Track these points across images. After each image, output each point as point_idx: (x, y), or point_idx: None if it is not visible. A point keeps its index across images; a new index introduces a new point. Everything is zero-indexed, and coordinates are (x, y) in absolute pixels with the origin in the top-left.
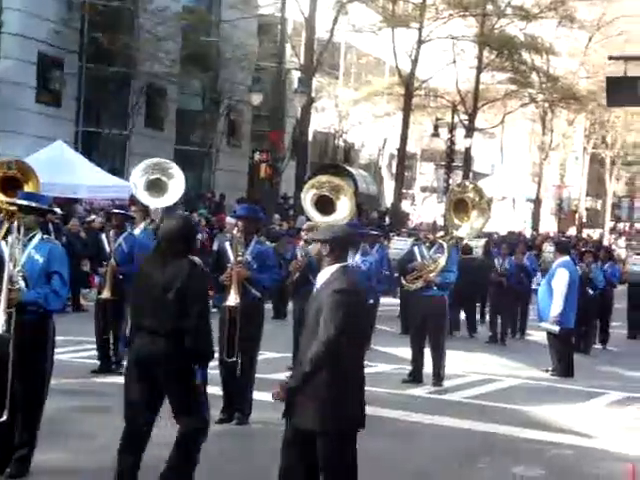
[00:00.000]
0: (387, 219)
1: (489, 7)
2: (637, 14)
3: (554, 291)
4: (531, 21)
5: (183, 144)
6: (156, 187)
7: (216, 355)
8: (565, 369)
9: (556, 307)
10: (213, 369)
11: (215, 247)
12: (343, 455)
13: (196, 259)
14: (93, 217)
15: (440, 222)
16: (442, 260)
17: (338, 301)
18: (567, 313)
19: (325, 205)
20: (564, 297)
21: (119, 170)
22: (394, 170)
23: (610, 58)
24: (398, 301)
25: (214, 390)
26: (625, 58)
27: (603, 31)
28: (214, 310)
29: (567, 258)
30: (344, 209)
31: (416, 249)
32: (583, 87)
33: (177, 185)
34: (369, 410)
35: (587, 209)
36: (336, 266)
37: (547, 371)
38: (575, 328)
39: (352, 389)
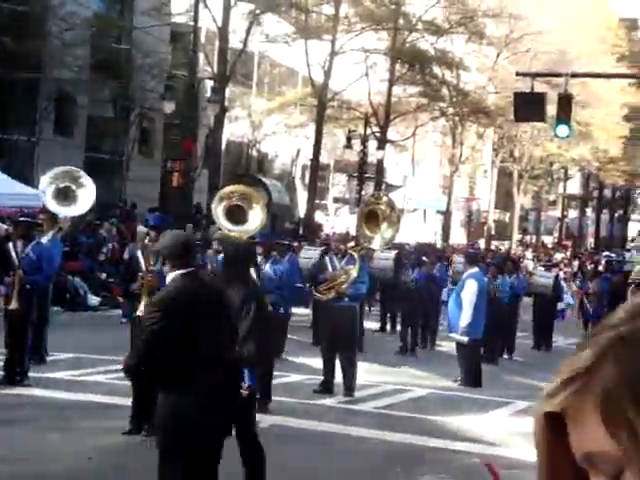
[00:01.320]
0: (300, 229)
1: (400, 21)
2: (542, 31)
3: (463, 302)
4: (442, 36)
5: (94, 152)
6: (66, 195)
7: None
8: (473, 379)
9: (465, 318)
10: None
11: (126, 256)
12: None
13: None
14: None
15: (353, 233)
16: (354, 271)
17: (149, 311)
18: (476, 323)
19: (237, 215)
20: (473, 308)
21: (27, 177)
22: (307, 181)
23: (518, 74)
24: (310, 311)
25: (122, 401)
26: (532, 75)
27: (511, 47)
28: (124, 320)
29: (476, 269)
30: (256, 218)
31: (327, 259)
32: (492, 102)
33: (87, 194)
34: (280, 420)
35: (495, 221)
36: (174, 273)
37: (456, 381)
38: (483, 338)
39: (189, 401)
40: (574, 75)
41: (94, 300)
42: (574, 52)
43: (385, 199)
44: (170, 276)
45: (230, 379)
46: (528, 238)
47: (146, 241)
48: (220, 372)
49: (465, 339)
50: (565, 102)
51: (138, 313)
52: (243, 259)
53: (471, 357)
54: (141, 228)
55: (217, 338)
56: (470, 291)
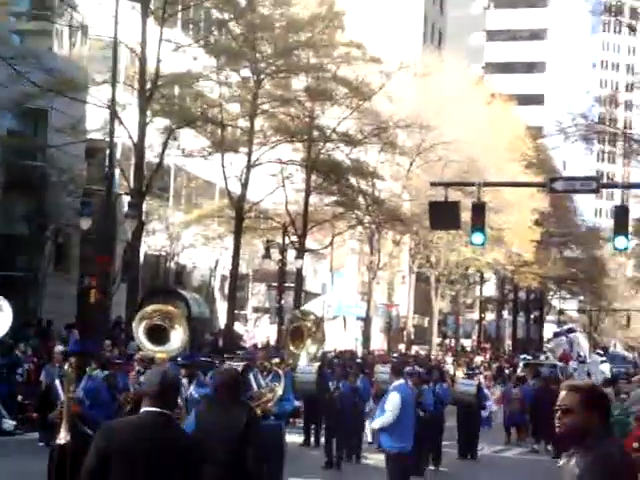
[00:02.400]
0: (220, 341)
1: (315, 133)
2: (452, 141)
3: (385, 411)
4: (355, 147)
5: (8, 270)
6: None
7: None
8: None
9: (378, 421)
10: None
11: (42, 378)
12: None
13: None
14: None
15: (273, 343)
16: (279, 389)
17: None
18: (403, 436)
19: (158, 333)
20: (394, 418)
21: None
22: (226, 291)
23: (432, 184)
24: None
25: None
26: (445, 184)
27: (423, 157)
28: (41, 444)
29: (401, 381)
30: (177, 338)
31: (251, 377)
32: (407, 209)
33: (3, 318)
34: None
35: (415, 326)
36: (143, 409)
37: None
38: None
39: None
40: (486, 184)
41: (9, 424)
42: (484, 160)
43: (311, 316)
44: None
45: None
46: (447, 342)
47: (66, 367)
48: None
49: (393, 451)
50: (478, 210)
51: (58, 441)
52: (238, 384)
53: (401, 470)
54: (58, 348)
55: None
56: (391, 402)
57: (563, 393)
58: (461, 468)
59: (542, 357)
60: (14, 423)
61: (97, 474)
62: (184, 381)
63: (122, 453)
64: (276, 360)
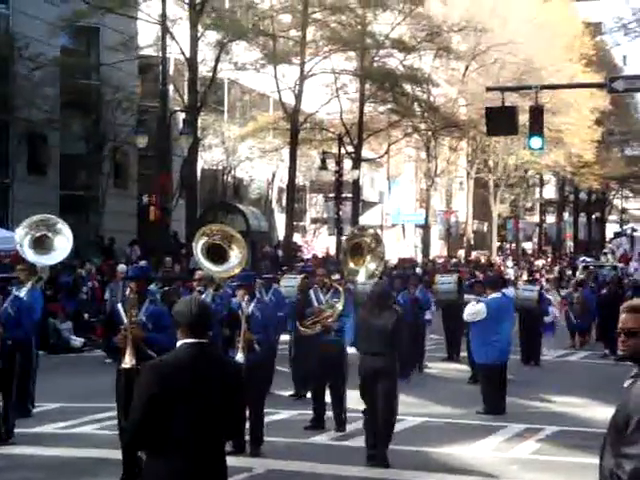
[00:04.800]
0: (280, 252)
1: (368, 41)
2: (508, 43)
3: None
4: (409, 53)
5: (68, 189)
6: (42, 244)
7: None
8: (495, 406)
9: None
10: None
11: (107, 296)
12: None
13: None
14: None
15: (332, 254)
16: (339, 305)
17: (143, 374)
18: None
19: (217, 253)
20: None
21: (2, 219)
22: (284, 203)
23: (488, 89)
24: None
25: (111, 454)
26: (502, 89)
27: (478, 60)
28: (108, 360)
29: (499, 294)
30: (236, 258)
31: (312, 293)
32: (463, 114)
33: (64, 241)
34: (274, 463)
35: (474, 232)
36: (181, 342)
37: (479, 413)
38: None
39: (172, 468)
40: (543, 87)
41: (77, 342)
42: (542, 61)
43: (370, 231)
44: (178, 343)
45: (214, 453)
46: (507, 246)
47: (127, 292)
48: (207, 444)
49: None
50: (537, 114)
51: (123, 365)
52: (388, 294)
53: (495, 382)
54: (121, 266)
55: (207, 413)
56: (480, 312)
57: (624, 315)
58: (525, 375)
59: (602, 259)
60: (83, 340)
61: (148, 415)
62: (244, 301)
63: (169, 391)
64: (336, 276)
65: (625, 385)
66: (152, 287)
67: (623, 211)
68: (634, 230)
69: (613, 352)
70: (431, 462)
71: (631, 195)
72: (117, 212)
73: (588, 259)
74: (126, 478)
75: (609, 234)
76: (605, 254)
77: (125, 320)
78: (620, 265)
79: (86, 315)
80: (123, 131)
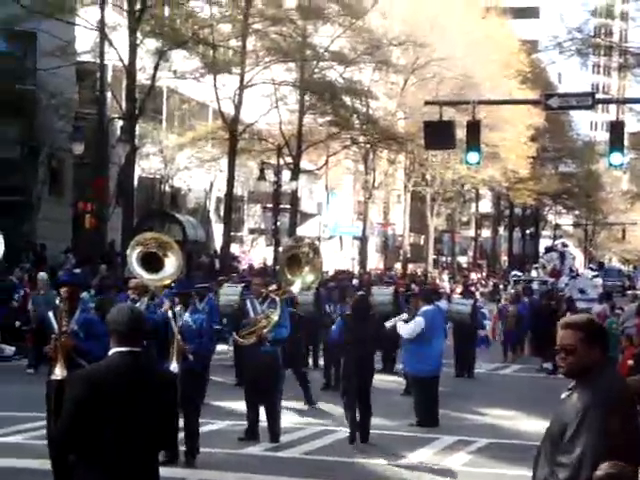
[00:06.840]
0: (217, 263)
1: (308, 52)
2: (447, 58)
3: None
4: (349, 66)
5: (2, 194)
6: None
7: None
8: (430, 418)
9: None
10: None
11: (30, 306)
12: None
13: None
14: None
15: (270, 264)
16: (275, 316)
17: (72, 383)
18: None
19: (152, 262)
20: (427, 344)
21: None
22: (222, 213)
23: (426, 103)
24: (231, 348)
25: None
26: (440, 103)
27: (417, 74)
28: (30, 370)
29: (430, 307)
30: (171, 267)
31: (248, 303)
32: (402, 127)
33: None
34: (209, 475)
35: (411, 245)
36: (113, 350)
37: (412, 425)
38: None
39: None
40: (480, 102)
41: (8, 350)
42: (479, 76)
43: (307, 241)
44: (111, 351)
45: (146, 462)
46: (443, 259)
47: (57, 301)
48: (139, 454)
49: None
50: (474, 129)
51: (53, 377)
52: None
53: (428, 394)
54: (41, 274)
55: (138, 422)
56: (418, 326)
57: (562, 332)
58: (457, 388)
59: (533, 273)
60: (13, 349)
61: (77, 422)
62: (178, 309)
63: (100, 398)
64: (273, 287)
65: (562, 397)
66: (85, 295)
67: (557, 227)
68: (565, 245)
69: (547, 361)
70: (365, 474)
71: (564, 211)
72: (52, 219)
73: (519, 273)
74: None
75: (543, 249)
76: (536, 268)
77: (56, 329)
78: (550, 280)
79: (17, 323)
80: (60, 137)
